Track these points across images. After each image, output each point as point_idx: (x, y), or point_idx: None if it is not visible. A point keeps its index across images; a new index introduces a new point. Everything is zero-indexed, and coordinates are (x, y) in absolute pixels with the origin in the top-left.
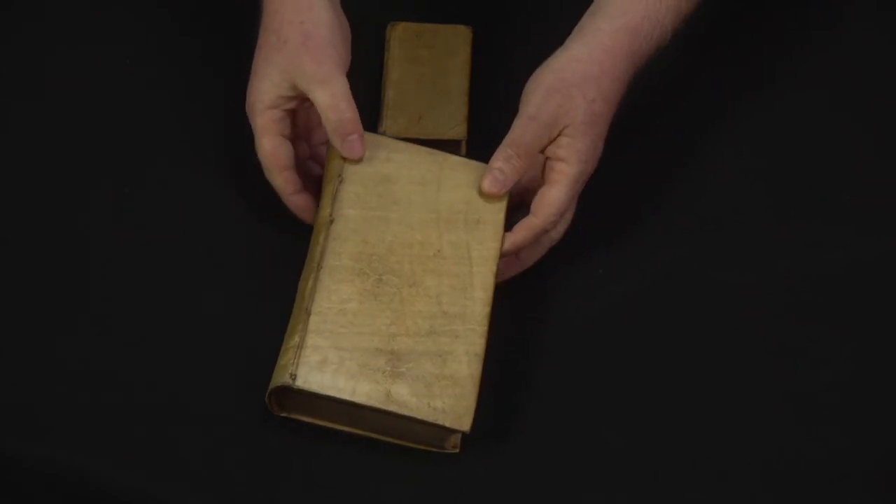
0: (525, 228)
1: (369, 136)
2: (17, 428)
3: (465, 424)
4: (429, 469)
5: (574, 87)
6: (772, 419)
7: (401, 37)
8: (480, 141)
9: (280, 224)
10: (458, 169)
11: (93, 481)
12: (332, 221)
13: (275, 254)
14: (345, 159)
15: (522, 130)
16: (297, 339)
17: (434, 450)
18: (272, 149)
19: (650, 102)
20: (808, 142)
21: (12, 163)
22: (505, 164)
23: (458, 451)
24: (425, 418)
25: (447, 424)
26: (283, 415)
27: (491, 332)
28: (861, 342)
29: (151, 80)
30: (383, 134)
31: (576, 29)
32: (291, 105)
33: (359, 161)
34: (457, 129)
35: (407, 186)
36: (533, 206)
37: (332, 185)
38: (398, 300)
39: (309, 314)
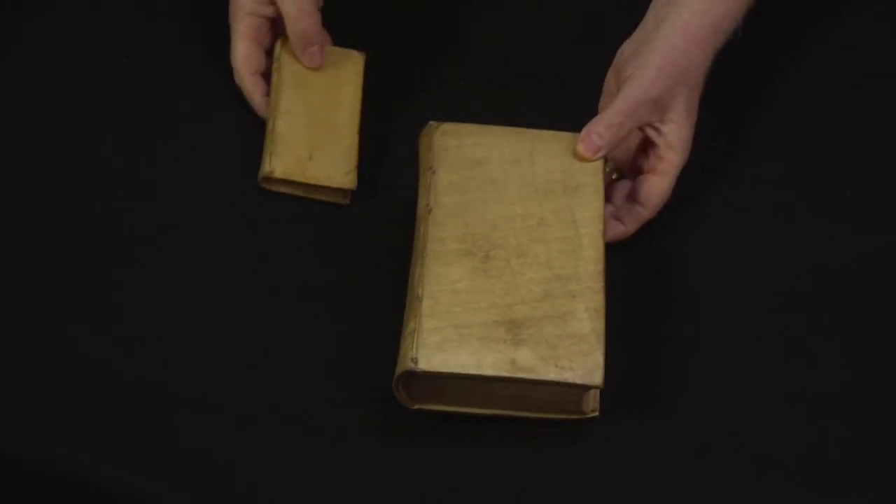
0: (636, 220)
1: (453, 125)
2: (18, 428)
3: (596, 379)
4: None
5: (680, 73)
6: (773, 415)
7: (291, 56)
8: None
9: (286, 222)
10: (549, 141)
11: (93, 481)
12: (430, 211)
13: (280, 252)
14: (434, 151)
15: (632, 101)
16: (412, 324)
17: (574, 417)
18: (245, 52)
19: None
20: (810, 138)
21: (12, 163)
22: (606, 131)
23: (597, 413)
24: (555, 379)
25: (578, 381)
26: (417, 407)
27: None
28: (863, 338)
29: (150, 79)
30: (270, 174)
31: (658, 17)
32: (267, 11)
33: (447, 146)
34: (347, 176)
35: (500, 166)
36: (641, 197)
37: (426, 177)
38: (509, 272)
39: (421, 300)
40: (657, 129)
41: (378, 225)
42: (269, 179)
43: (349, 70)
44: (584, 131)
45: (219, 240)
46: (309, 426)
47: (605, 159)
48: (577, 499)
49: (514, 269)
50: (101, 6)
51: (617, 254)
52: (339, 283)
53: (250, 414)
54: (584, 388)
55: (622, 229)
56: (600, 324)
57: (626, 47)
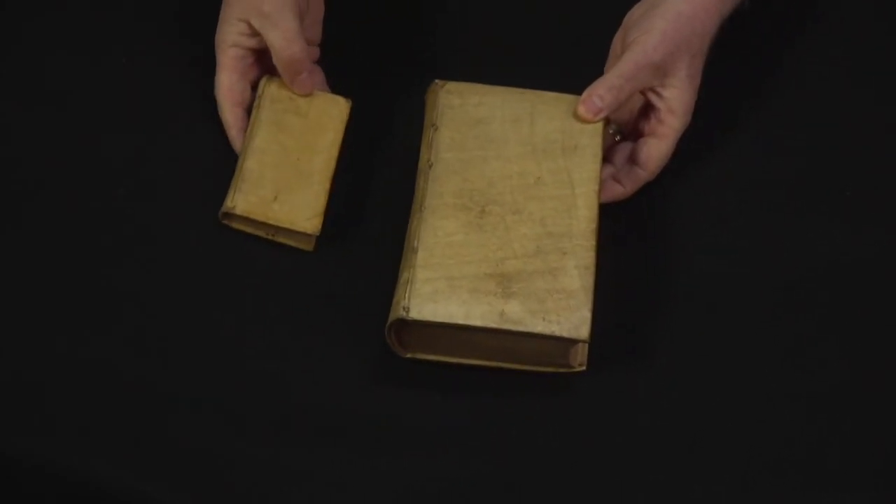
0: (635, 182)
1: (458, 84)
2: (18, 428)
3: (582, 333)
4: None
5: (684, 39)
6: (770, 413)
7: (274, 95)
8: (333, 234)
9: None
10: (551, 103)
11: (92, 481)
12: (430, 166)
13: (279, 253)
14: (438, 109)
15: (635, 67)
16: (406, 275)
17: (562, 370)
18: (228, 84)
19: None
20: (810, 136)
21: (12, 162)
22: (607, 93)
23: (584, 368)
24: (542, 331)
25: (564, 335)
26: (409, 356)
27: (599, 251)
28: (862, 336)
29: (150, 79)
30: (232, 209)
31: None
32: (252, 44)
33: (453, 106)
34: (311, 221)
35: (501, 126)
36: (641, 159)
37: (428, 133)
38: (503, 227)
39: (416, 251)
40: (658, 94)
41: (363, 245)
42: (230, 216)
43: (332, 116)
44: (585, 93)
45: (219, 240)
46: (309, 426)
47: (608, 121)
48: (572, 463)
49: (508, 225)
50: (101, 6)
51: (617, 253)
52: (340, 283)
53: (250, 414)
54: (571, 342)
55: (621, 190)
56: (590, 280)
57: (635, 11)
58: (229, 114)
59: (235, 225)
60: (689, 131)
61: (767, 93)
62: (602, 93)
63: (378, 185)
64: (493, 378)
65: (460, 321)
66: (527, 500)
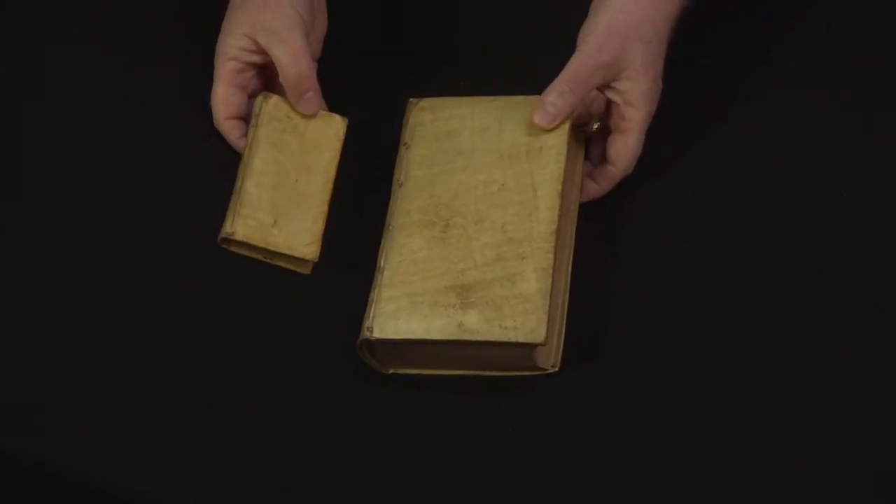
0: (608, 180)
1: (432, 100)
2: (18, 428)
3: (538, 337)
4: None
5: (632, 28)
6: (771, 416)
7: (271, 114)
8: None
9: None
10: (520, 107)
11: (92, 481)
12: (400, 185)
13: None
14: (410, 127)
15: (580, 68)
16: (372, 295)
17: (536, 373)
18: (223, 96)
19: None
20: (807, 136)
21: (12, 162)
22: (558, 99)
23: (556, 369)
24: (497, 339)
25: (520, 340)
26: (392, 371)
27: (570, 250)
28: (857, 338)
29: (150, 79)
30: (231, 235)
31: None
32: (253, 59)
33: (425, 121)
34: (310, 247)
35: (470, 137)
36: (611, 156)
37: (400, 152)
38: (465, 238)
39: (382, 270)
40: (614, 88)
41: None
42: (229, 241)
43: (329, 136)
44: (539, 100)
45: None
46: (309, 426)
47: (590, 116)
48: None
49: (470, 236)
50: (101, 6)
51: (612, 253)
52: (341, 282)
53: (250, 414)
54: (530, 347)
55: (596, 188)
56: (547, 283)
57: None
58: (225, 125)
59: (233, 249)
60: (686, 131)
61: (764, 92)
62: (553, 99)
63: (371, 203)
64: (478, 381)
65: (421, 336)
66: (514, 501)
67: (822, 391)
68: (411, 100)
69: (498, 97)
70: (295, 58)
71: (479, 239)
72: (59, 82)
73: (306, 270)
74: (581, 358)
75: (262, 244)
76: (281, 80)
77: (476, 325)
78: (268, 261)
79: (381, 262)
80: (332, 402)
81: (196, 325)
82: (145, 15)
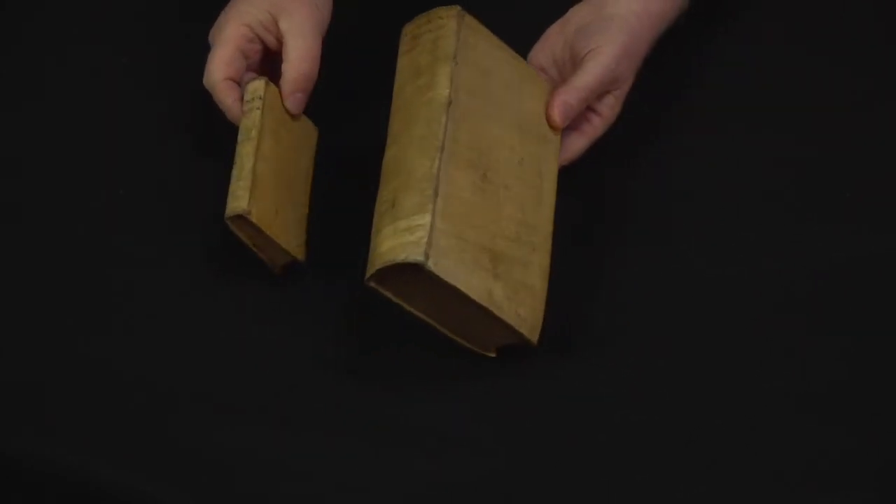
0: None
1: (475, 21)
2: (17, 427)
3: (535, 336)
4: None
5: (634, 47)
6: (772, 416)
7: (272, 103)
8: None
9: None
10: (532, 81)
11: (92, 480)
12: (450, 103)
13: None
14: (459, 41)
15: (602, 80)
16: (427, 219)
17: (479, 351)
18: (228, 57)
19: (646, 98)
20: (808, 137)
21: (12, 163)
22: (577, 104)
23: (495, 355)
24: (511, 323)
25: (524, 333)
26: (373, 285)
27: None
28: (857, 338)
29: (149, 79)
30: (247, 214)
31: None
32: (266, 36)
33: (468, 48)
34: (300, 248)
35: (500, 86)
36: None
37: (447, 65)
38: (495, 200)
39: (436, 195)
40: (599, 98)
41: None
42: (239, 219)
43: (308, 140)
44: (557, 99)
45: (219, 240)
46: (310, 425)
47: None
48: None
49: (500, 200)
50: (101, 6)
51: (615, 253)
52: (341, 282)
53: (250, 413)
54: (524, 341)
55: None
56: (546, 285)
57: (583, 12)
58: (221, 85)
59: (234, 227)
60: (686, 131)
61: (765, 93)
62: (573, 103)
63: (343, 206)
64: (480, 378)
65: (462, 289)
66: (514, 500)
67: (822, 391)
68: (457, 6)
69: (515, 55)
70: (307, 56)
71: (505, 208)
72: (59, 82)
73: (277, 271)
74: (581, 358)
75: (266, 230)
76: (284, 71)
77: (501, 300)
78: (253, 248)
79: (435, 185)
80: (333, 400)
81: (196, 324)
82: (145, 15)
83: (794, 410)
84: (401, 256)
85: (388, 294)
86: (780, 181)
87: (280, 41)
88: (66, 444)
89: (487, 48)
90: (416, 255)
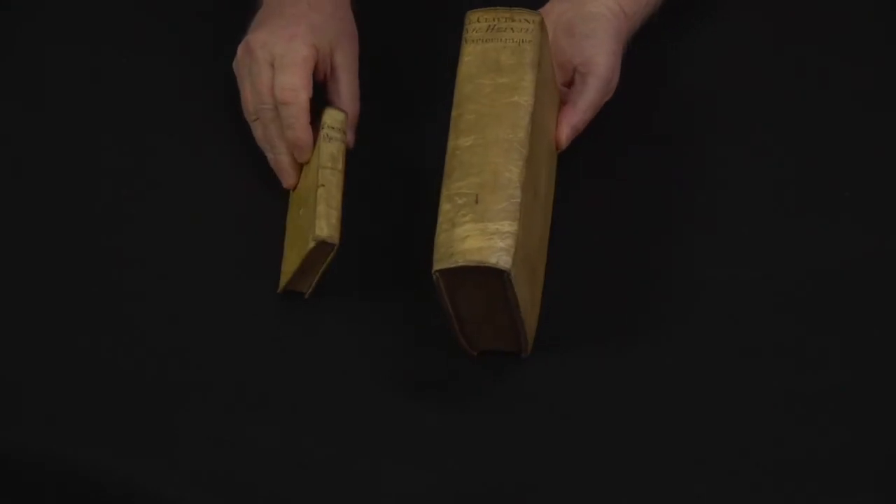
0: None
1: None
2: (19, 424)
3: (529, 350)
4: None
5: (621, 48)
6: (772, 416)
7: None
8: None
9: (283, 226)
10: (554, 92)
11: (93, 477)
12: (533, 112)
13: (277, 256)
14: (546, 44)
15: (601, 98)
16: (515, 227)
17: (465, 349)
18: (309, 74)
19: (647, 99)
20: (809, 138)
21: (12, 163)
22: (583, 126)
23: (476, 355)
24: (530, 333)
25: (530, 344)
26: (437, 277)
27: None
28: (858, 338)
29: (150, 79)
30: (333, 242)
31: None
32: (320, 61)
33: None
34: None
35: (548, 99)
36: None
37: (533, 72)
38: (536, 215)
39: (520, 201)
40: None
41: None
42: (326, 245)
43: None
44: (566, 124)
45: (220, 237)
46: (310, 422)
47: None
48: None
49: (535, 211)
50: (102, 6)
51: (616, 254)
52: (342, 281)
53: (251, 409)
54: (518, 349)
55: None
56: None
57: (566, 13)
58: (308, 102)
59: (312, 246)
60: (687, 131)
61: (766, 93)
62: (581, 126)
63: None
64: (481, 381)
65: (518, 299)
66: (514, 500)
67: (822, 391)
68: (540, 15)
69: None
70: (357, 95)
71: (537, 219)
72: (60, 82)
73: (281, 290)
74: (582, 358)
75: (326, 264)
76: (332, 101)
77: (530, 308)
78: (297, 269)
79: (520, 188)
80: (333, 395)
81: (197, 321)
82: (145, 14)
83: (794, 410)
84: (491, 260)
85: (442, 287)
86: (781, 181)
87: (326, 74)
88: (66, 439)
89: (548, 58)
90: (505, 263)
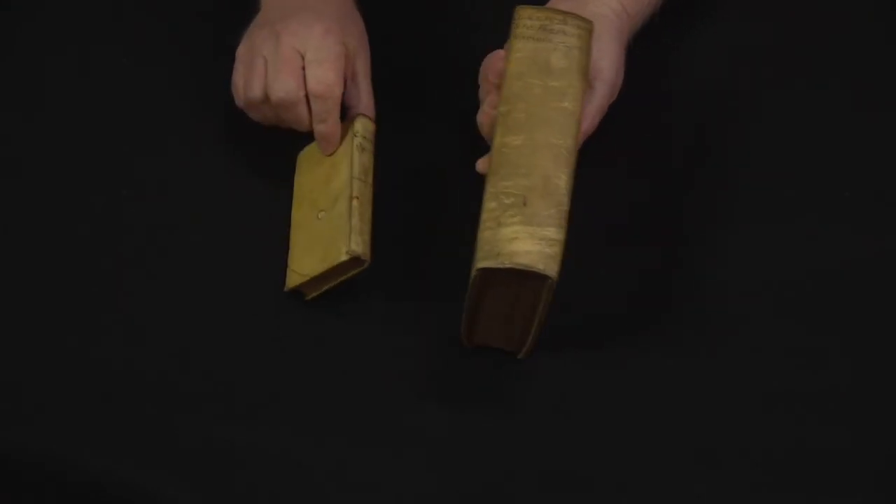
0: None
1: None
2: (18, 425)
3: (529, 352)
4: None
5: (623, 50)
6: (772, 416)
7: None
8: None
9: (284, 227)
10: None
11: (93, 478)
12: (579, 122)
13: (278, 256)
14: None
15: (607, 101)
16: (563, 235)
17: (463, 339)
18: (343, 71)
19: (648, 101)
20: (809, 138)
21: (12, 163)
22: (592, 130)
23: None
24: (535, 338)
25: (530, 345)
26: (476, 275)
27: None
28: (858, 338)
29: (150, 79)
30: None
31: None
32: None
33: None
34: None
35: None
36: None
37: (584, 82)
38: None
39: (565, 213)
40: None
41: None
42: (357, 261)
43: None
44: (583, 124)
45: (220, 237)
46: (310, 422)
47: None
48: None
49: None
50: (102, 6)
51: (615, 254)
52: (345, 283)
53: (252, 411)
54: (515, 350)
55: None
56: None
57: (564, 3)
58: (340, 99)
59: (343, 259)
60: (687, 131)
61: (766, 93)
62: (588, 130)
63: None
64: (481, 382)
65: (547, 304)
66: (514, 500)
67: (822, 391)
68: (591, 23)
69: None
70: (372, 105)
71: None
72: (59, 82)
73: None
74: (581, 358)
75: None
76: (352, 99)
77: (545, 313)
78: (318, 276)
79: (567, 197)
80: (333, 395)
81: (197, 322)
82: (145, 14)
83: (794, 410)
84: (538, 266)
85: (477, 283)
86: (781, 181)
87: (347, 77)
88: (66, 440)
89: (589, 67)
90: (551, 271)
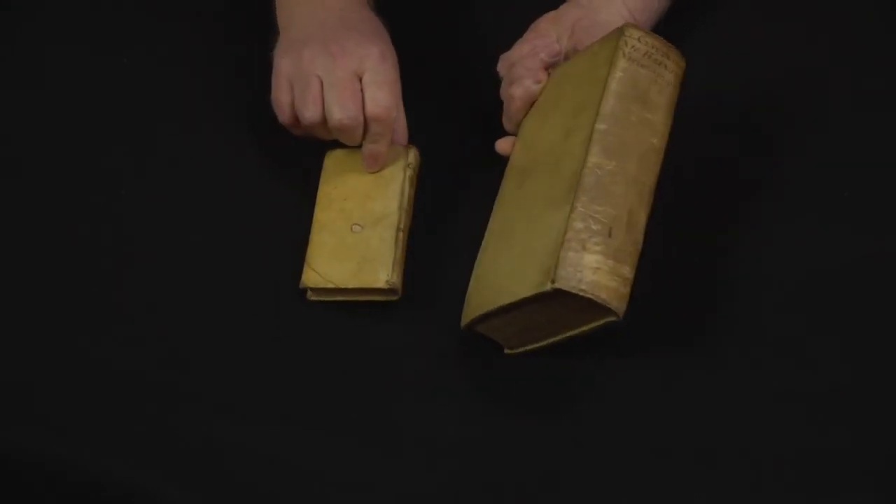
0: None
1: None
2: (18, 426)
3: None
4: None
5: None
6: (772, 416)
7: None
8: None
9: (288, 222)
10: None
11: (93, 479)
12: (662, 161)
13: (284, 249)
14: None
15: None
16: (633, 275)
17: (465, 324)
18: (398, 102)
19: None
20: (809, 138)
21: (12, 163)
22: None
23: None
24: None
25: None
26: (547, 292)
27: None
28: (858, 338)
29: (150, 79)
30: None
31: None
32: None
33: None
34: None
35: None
36: None
37: (670, 118)
38: None
39: (639, 251)
40: None
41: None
42: (392, 292)
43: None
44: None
45: (220, 237)
46: (310, 422)
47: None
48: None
49: None
50: (102, 6)
51: None
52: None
53: (251, 411)
54: (514, 350)
55: None
56: None
57: (582, 20)
58: (397, 105)
59: (378, 288)
60: (687, 131)
61: (766, 93)
62: None
63: None
64: (481, 382)
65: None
66: (515, 500)
67: (822, 391)
68: (685, 61)
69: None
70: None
71: None
72: (60, 82)
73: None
74: (581, 358)
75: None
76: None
77: None
78: (335, 290)
79: (641, 234)
80: (333, 395)
81: (197, 323)
82: (145, 14)
83: (794, 410)
84: (613, 303)
85: (539, 296)
86: (781, 181)
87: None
88: (66, 441)
89: None
90: (620, 311)
